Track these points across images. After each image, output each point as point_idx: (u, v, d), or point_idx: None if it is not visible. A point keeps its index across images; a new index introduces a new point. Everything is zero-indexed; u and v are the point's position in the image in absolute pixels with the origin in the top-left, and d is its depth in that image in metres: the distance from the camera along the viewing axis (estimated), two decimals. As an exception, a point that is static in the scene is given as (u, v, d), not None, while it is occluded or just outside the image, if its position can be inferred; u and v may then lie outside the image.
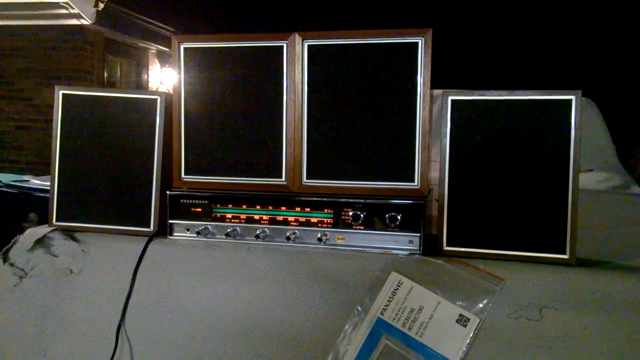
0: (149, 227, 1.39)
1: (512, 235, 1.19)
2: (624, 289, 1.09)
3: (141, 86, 9.04)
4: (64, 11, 6.89)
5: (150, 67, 9.30)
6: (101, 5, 6.89)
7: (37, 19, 7.13)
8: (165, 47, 8.99)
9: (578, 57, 8.51)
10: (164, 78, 9.49)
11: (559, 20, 8.70)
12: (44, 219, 1.46)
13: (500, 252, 1.20)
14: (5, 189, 3.67)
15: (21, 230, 1.46)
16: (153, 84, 9.36)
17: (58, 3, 6.75)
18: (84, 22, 7.04)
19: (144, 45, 8.92)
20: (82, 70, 7.44)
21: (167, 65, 9.39)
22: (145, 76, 9.22)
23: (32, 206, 3.31)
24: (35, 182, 3.83)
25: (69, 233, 1.41)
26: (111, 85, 8.27)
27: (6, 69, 7.58)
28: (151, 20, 8.46)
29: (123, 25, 7.83)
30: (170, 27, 8.97)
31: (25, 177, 4.22)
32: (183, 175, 1.39)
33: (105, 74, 8.03)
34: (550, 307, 1.09)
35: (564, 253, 1.17)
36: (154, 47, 9.13)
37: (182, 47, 1.37)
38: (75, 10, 6.84)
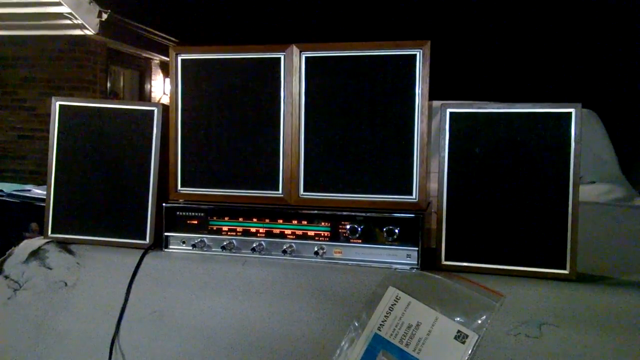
0: (144, 239, 1.38)
1: (512, 250, 1.18)
2: (627, 305, 1.07)
3: (144, 96, 9.06)
4: (68, 22, 6.93)
5: (153, 78, 9.34)
6: (105, 16, 6.92)
7: (41, 29, 7.17)
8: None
9: (581, 69, 8.51)
10: (167, 88, 9.52)
11: (564, 32, 8.71)
12: (45, 229, 1.45)
13: (499, 267, 1.18)
14: (7, 199, 3.67)
15: (21, 240, 1.45)
16: (156, 94, 9.39)
17: (62, 14, 6.79)
18: (88, 32, 7.08)
19: (147, 55, 8.96)
20: (86, 80, 7.47)
21: (170, 76, 9.41)
22: (149, 86, 9.25)
23: (34, 216, 3.31)
24: (37, 191, 3.83)
25: (64, 245, 1.40)
26: (114, 95, 8.30)
27: (10, 79, 7.61)
28: (154, 31, 8.50)
29: (126, 36, 7.86)
30: (174, 37, 9.01)
31: (27, 187, 4.22)
32: (179, 187, 1.37)
33: (109, 84, 8.06)
34: (550, 323, 1.07)
35: (564, 268, 1.15)
36: (157, 58, 9.17)
37: (179, 58, 1.36)
38: (79, 21, 6.88)
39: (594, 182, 2.83)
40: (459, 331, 1.09)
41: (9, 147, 7.72)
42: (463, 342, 1.08)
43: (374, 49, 1.25)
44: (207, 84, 1.35)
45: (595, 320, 1.06)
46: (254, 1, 9.93)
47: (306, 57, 1.29)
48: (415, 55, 1.23)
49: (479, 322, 1.09)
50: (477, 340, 1.07)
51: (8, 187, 3.96)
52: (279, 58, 1.30)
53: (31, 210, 3.45)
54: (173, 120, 1.37)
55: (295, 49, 1.29)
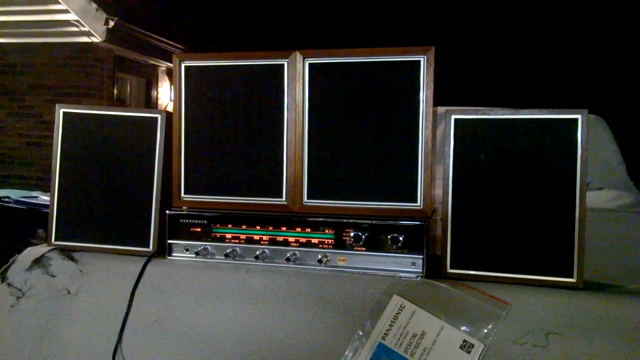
0: (147, 247, 1.37)
1: (518, 258, 1.16)
2: (635, 314, 1.05)
3: (151, 103, 9.09)
4: (75, 29, 6.97)
5: (160, 84, 9.37)
6: (111, 23, 6.96)
7: (48, 36, 7.22)
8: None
9: (587, 74, 8.48)
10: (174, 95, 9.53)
11: (570, 38, 8.68)
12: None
13: (505, 275, 1.17)
14: (14, 205, 3.70)
15: (27, 247, 1.44)
16: (163, 101, 9.42)
17: (69, 21, 6.83)
18: (95, 39, 7.12)
19: (154, 62, 9.00)
20: (92, 88, 7.51)
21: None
22: (155, 93, 9.28)
23: (41, 222, 3.33)
24: (44, 198, 3.85)
25: (67, 253, 1.39)
26: (121, 102, 8.33)
27: (17, 86, 7.66)
28: (160, 38, 8.54)
29: (133, 43, 7.90)
30: (180, 44, 9.04)
31: (34, 194, 4.24)
32: (183, 195, 1.37)
33: (115, 91, 8.09)
34: (557, 332, 1.05)
35: (571, 276, 1.13)
36: (163, 65, 9.21)
37: (183, 65, 1.36)
38: (86, 28, 6.92)
39: (601, 189, 2.80)
40: (464, 340, 1.07)
41: (16, 154, 7.76)
42: (469, 352, 1.06)
43: (377, 55, 1.24)
44: (210, 90, 1.35)
45: (603, 330, 1.04)
46: (258, 8, 9.96)
47: (310, 64, 1.28)
48: (419, 61, 1.22)
49: (485, 331, 1.07)
50: (483, 350, 1.06)
51: (15, 194, 3.99)
52: (283, 65, 1.30)
53: (38, 217, 3.47)
54: (176, 127, 1.36)
55: (298, 56, 1.28)
